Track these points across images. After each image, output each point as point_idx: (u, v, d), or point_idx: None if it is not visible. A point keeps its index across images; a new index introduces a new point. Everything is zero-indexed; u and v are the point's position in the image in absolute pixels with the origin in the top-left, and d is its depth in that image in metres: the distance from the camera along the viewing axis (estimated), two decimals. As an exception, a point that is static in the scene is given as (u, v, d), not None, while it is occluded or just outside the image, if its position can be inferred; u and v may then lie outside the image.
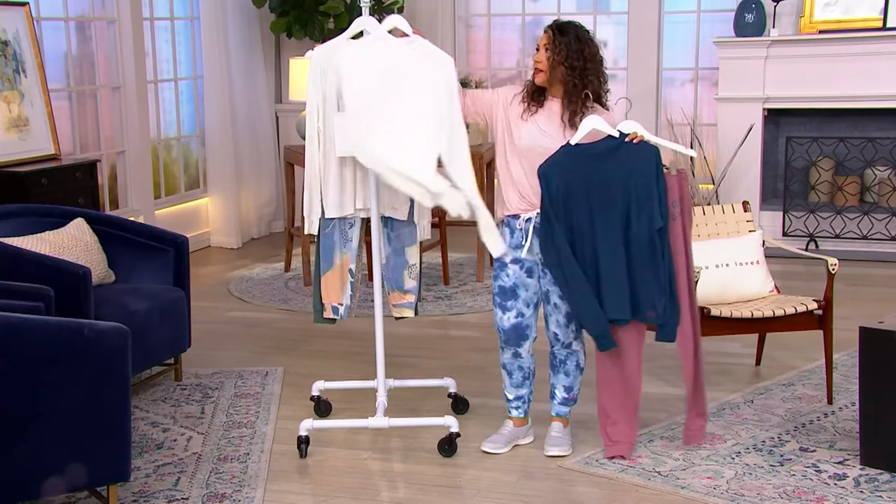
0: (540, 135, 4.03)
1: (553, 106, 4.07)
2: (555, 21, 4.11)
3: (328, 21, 8.18)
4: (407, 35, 4.09)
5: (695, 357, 4.14)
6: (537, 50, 4.07)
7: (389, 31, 4.12)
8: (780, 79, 7.80)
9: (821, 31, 7.73)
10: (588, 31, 4.07)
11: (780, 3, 7.76)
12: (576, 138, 3.97)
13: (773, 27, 7.80)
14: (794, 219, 7.86)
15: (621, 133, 3.99)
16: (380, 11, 8.15)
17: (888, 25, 7.53)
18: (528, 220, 4.08)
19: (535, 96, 4.09)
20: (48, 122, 6.47)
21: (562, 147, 3.99)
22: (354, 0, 8.06)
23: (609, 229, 3.97)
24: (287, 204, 7.41)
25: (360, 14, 4.22)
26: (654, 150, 4.01)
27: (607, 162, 3.97)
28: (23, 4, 6.41)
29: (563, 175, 3.96)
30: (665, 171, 3.99)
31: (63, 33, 7.13)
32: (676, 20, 8.64)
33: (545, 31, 4.06)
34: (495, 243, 3.91)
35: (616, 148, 3.99)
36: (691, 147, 8.03)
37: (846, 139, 7.79)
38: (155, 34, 7.89)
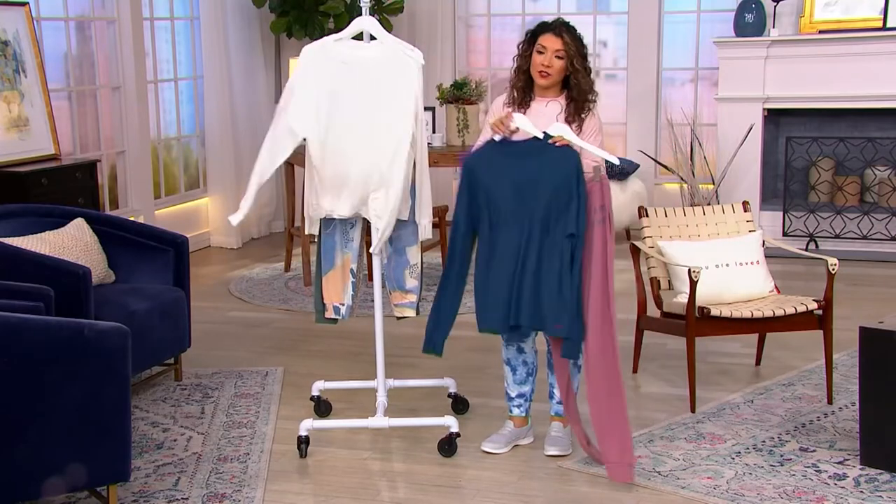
0: (525, 136, 4.02)
1: (539, 106, 4.08)
2: (557, 21, 4.06)
3: (328, 21, 8.18)
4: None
5: (609, 388, 3.85)
6: (540, 53, 4.02)
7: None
8: (780, 79, 7.80)
9: (821, 31, 7.73)
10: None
11: (780, 3, 7.76)
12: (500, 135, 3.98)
13: (773, 27, 7.80)
14: (794, 219, 7.86)
15: (546, 134, 3.93)
16: (380, 11, 8.16)
17: (888, 25, 7.53)
18: None
19: (521, 98, 4.09)
20: (48, 122, 6.47)
21: (487, 143, 3.99)
22: (354, 0, 8.06)
23: (528, 231, 3.89)
24: (287, 204, 7.41)
25: (361, 14, 4.22)
26: (575, 155, 3.90)
27: (531, 163, 3.91)
28: (23, 4, 6.41)
29: (487, 170, 3.94)
30: (587, 176, 3.88)
31: (63, 33, 7.13)
32: (676, 20, 8.64)
33: (554, 35, 3.99)
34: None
35: (540, 150, 3.92)
36: (692, 147, 8.04)
37: (846, 139, 7.78)
38: (155, 34, 7.89)
